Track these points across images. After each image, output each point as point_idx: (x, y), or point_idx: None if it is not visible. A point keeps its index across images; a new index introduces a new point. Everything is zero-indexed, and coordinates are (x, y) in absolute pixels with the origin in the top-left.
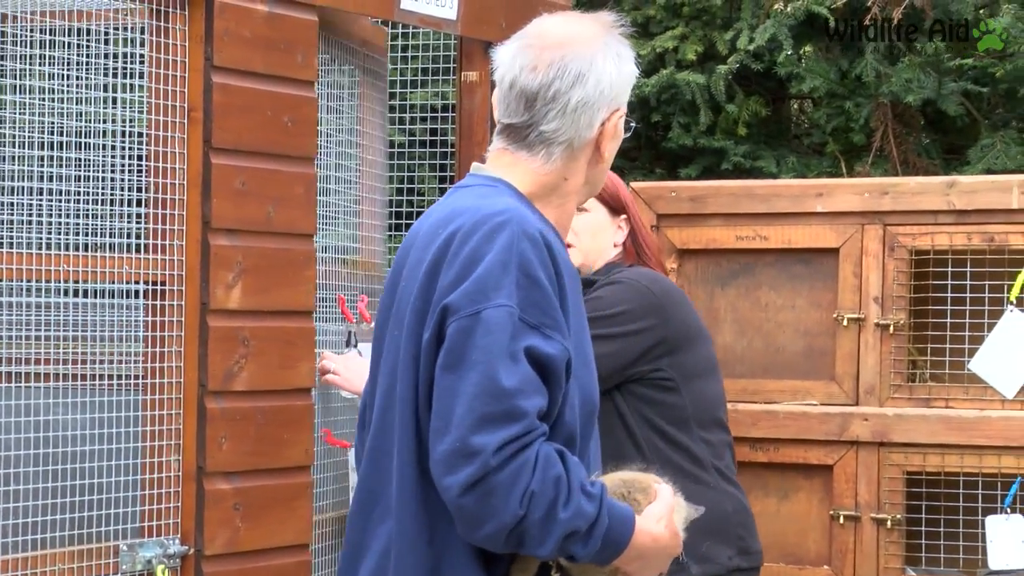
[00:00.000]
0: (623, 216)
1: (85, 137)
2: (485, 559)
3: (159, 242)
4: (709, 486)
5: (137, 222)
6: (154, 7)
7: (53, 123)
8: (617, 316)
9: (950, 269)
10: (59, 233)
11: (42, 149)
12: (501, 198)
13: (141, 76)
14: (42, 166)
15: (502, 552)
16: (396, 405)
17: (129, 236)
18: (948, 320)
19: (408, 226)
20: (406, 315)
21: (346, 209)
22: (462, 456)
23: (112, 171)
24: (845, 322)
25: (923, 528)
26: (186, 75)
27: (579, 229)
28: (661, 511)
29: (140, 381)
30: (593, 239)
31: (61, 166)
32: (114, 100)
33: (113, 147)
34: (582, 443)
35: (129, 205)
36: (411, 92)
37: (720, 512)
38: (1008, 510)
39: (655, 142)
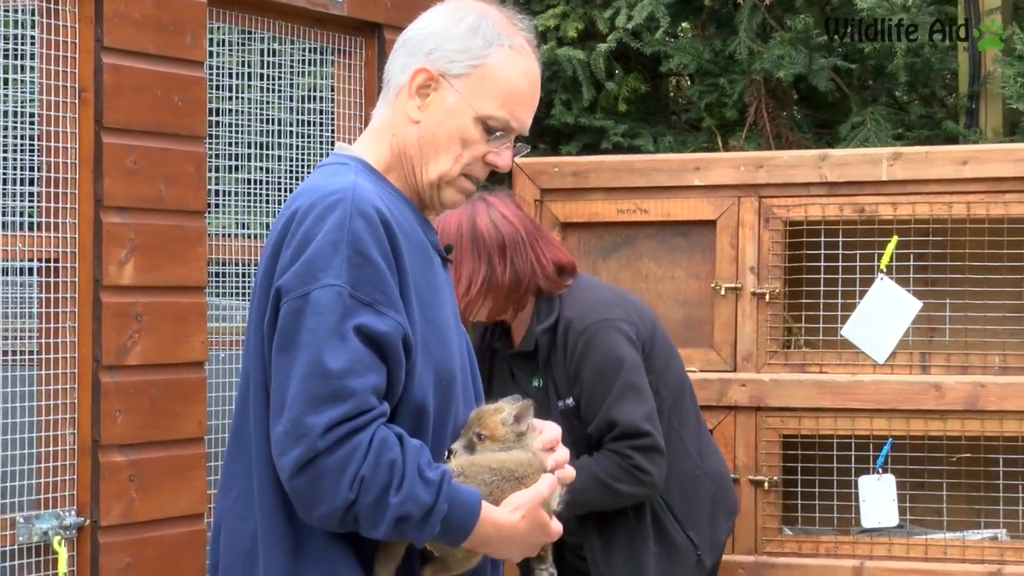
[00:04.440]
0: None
1: None
2: (350, 539)
3: (52, 220)
4: (701, 476)
5: (30, 201)
6: None
7: None
8: (626, 377)
9: (823, 239)
10: None
11: None
12: (344, 176)
13: (32, 57)
14: None
15: (340, 532)
16: (251, 385)
17: (22, 214)
18: (821, 288)
19: None
20: (256, 294)
21: None
22: (293, 437)
23: (4, 151)
24: (723, 291)
25: (799, 489)
26: (76, 56)
27: None
28: (524, 500)
29: (35, 356)
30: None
31: None
32: (5, 81)
33: (4, 127)
34: (440, 419)
35: (21, 184)
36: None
37: (710, 498)
38: (880, 470)
39: (538, 118)
